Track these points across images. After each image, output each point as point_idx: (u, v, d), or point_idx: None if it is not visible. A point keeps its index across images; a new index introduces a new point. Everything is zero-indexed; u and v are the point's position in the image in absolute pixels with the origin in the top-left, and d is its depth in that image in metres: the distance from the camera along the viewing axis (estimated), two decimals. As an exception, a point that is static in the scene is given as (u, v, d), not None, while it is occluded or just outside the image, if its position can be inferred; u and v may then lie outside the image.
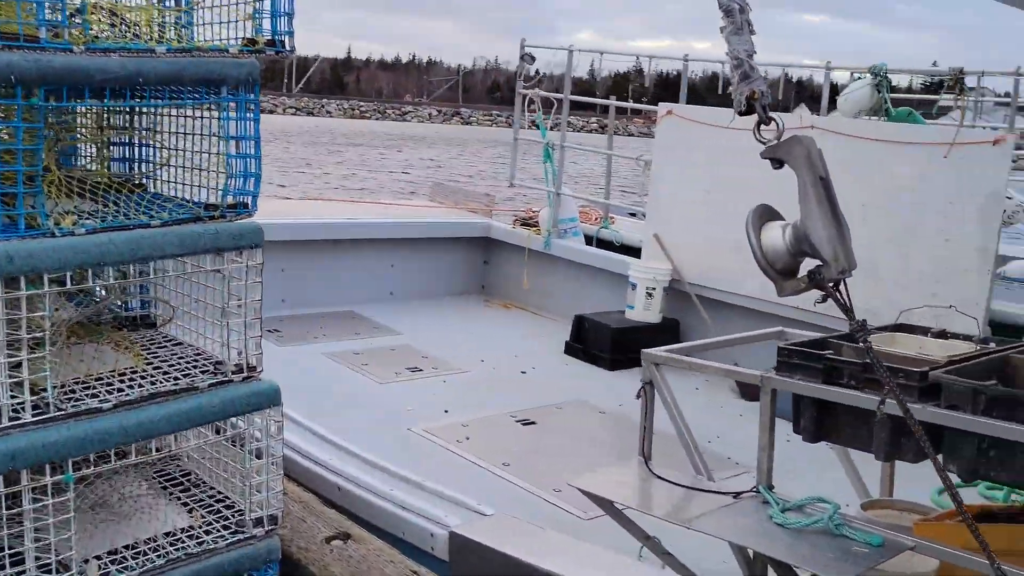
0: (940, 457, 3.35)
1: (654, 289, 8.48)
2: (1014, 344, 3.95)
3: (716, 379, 7.36)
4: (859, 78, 9.76)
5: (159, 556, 2.62)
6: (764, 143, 2.54)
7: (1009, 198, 7.69)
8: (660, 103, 8.93)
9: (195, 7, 2.91)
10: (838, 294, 2.49)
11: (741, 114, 2.55)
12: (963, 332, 4.15)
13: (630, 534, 4.02)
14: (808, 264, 2.55)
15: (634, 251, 9.90)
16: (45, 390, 2.39)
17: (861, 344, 2.56)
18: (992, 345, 3.88)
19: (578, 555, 3.28)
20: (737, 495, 3.73)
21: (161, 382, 2.56)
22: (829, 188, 2.44)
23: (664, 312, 8.56)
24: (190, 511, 2.77)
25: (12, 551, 2.41)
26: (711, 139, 8.31)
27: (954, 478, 4.97)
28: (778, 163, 2.53)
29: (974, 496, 5.72)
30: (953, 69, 7.76)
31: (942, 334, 4.10)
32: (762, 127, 2.54)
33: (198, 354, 2.79)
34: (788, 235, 2.51)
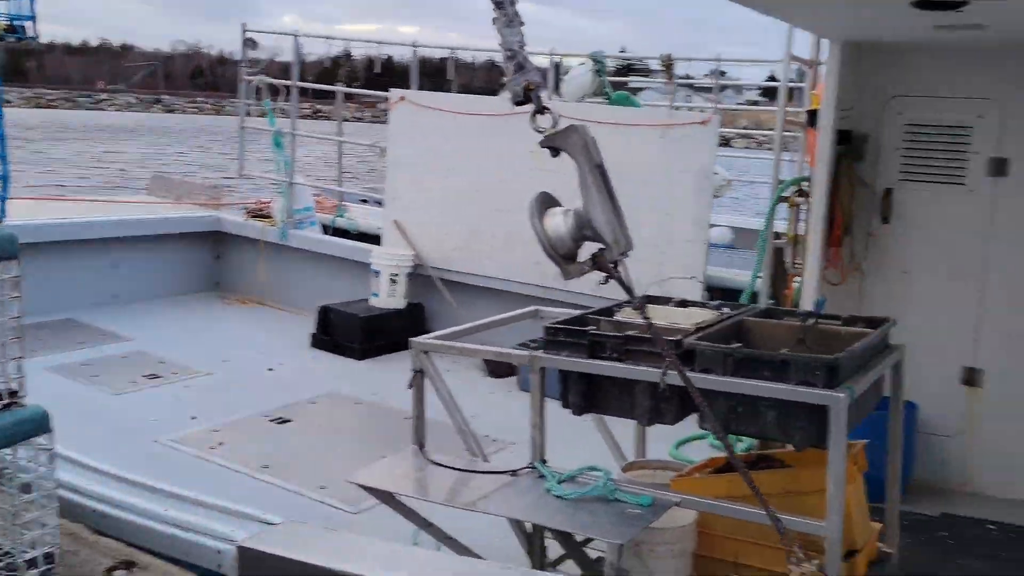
0: (697, 417, 3.66)
1: (397, 275, 8.52)
2: (745, 308, 4.37)
3: (464, 359, 7.51)
4: (557, 62, 10.26)
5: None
6: (541, 132, 2.62)
7: (716, 173, 8.45)
8: (391, 89, 8.94)
9: None
10: (618, 274, 2.63)
11: (517, 104, 2.61)
12: (683, 299, 4.51)
13: (411, 522, 4.03)
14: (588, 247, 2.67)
15: (371, 238, 9.87)
16: None
17: (643, 320, 2.72)
18: (726, 310, 4.25)
19: (375, 553, 3.23)
20: (514, 472, 3.84)
21: (-98, 421, 2.23)
22: (605, 174, 2.56)
23: (408, 297, 8.63)
24: (-57, 563, 2.44)
25: None
26: (446, 124, 8.45)
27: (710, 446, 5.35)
28: (555, 151, 2.62)
29: (705, 448, 6.29)
30: (663, 55, 8.41)
31: (683, 303, 4.44)
32: (538, 116, 2.62)
33: (-58, 385, 2.45)
34: (570, 221, 2.61)
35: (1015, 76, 5.56)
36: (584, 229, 2.59)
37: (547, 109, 2.58)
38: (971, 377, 5.82)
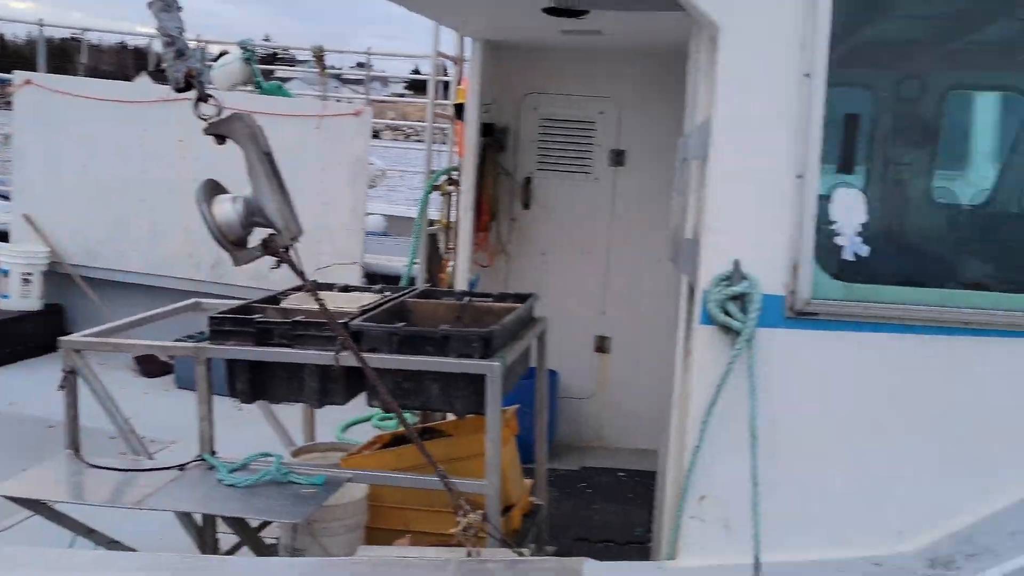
0: (366, 397, 3.82)
1: (31, 274, 7.86)
2: (406, 290, 4.61)
3: (113, 359, 7.10)
4: (202, 49, 9.92)
5: None
6: (205, 119, 2.63)
7: (371, 163, 8.67)
8: (15, 71, 8.17)
9: None
10: (290, 259, 2.71)
11: (179, 90, 2.60)
12: (346, 284, 4.67)
13: (69, 531, 3.81)
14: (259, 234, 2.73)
15: (-4, 234, 8.96)
16: None
17: (315, 304, 2.82)
18: (388, 294, 4.45)
19: (29, 560, 3.05)
20: (182, 467, 3.76)
21: None
22: (273, 162, 2.63)
23: (45, 298, 7.99)
24: None
25: None
26: (82, 111, 7.89)
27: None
28: (220, 139, 2.64)
29: (370, 430, 6.50)
30: (315, 46, 8.45)
31: (346, 288, 4.58)
32: (201, 104, 2.63)
33: None
34: (239, 208, 2.64)
35: (628, 77, 6.33)
36: (254, 215, 2.64)
37: (211, 96, 2.60)
38: (601, 344, 6.57)
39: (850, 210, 2.84)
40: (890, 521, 2.84)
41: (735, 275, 2.76)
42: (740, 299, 2.75)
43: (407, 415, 5.54)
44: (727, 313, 2.75)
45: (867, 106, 5.10)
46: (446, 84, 8.62)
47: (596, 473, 6.07)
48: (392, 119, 20.21)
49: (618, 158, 6.45)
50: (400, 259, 7.61)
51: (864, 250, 2.84)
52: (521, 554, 3.13)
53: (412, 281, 6.50)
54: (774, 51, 2.84)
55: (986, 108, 5.68)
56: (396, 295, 4.37)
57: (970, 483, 2.86)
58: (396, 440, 4.48)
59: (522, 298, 4.39)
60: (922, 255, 3.85)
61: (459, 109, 6.45)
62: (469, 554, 2.78)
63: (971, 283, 3.13)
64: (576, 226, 6.52)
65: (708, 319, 2.80)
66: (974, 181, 5.49)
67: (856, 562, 2.77)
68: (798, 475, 2.83)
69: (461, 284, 5.94)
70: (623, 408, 6.47)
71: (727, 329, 2.76)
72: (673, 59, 5.68)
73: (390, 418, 6.52)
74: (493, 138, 6.33)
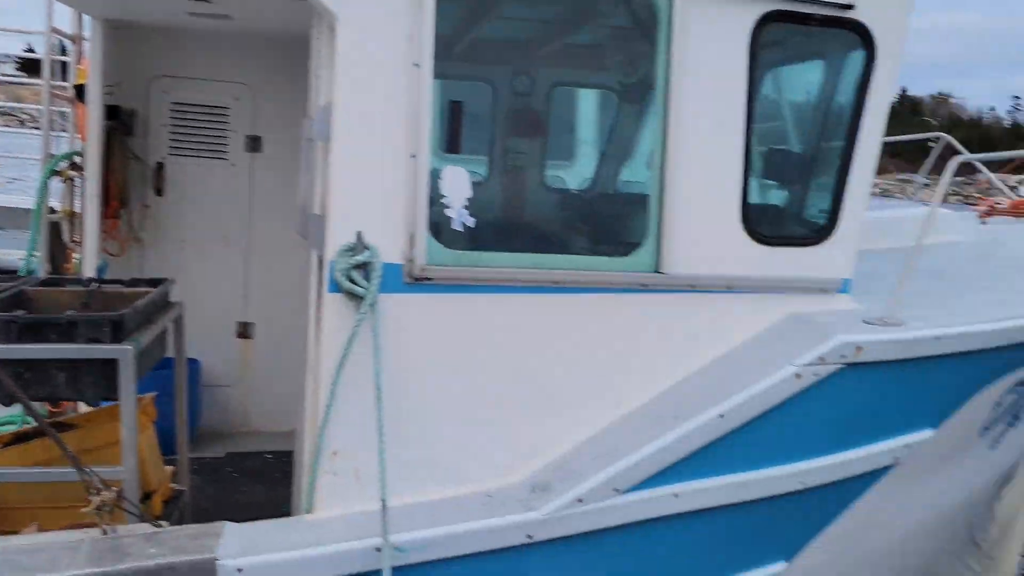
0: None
1: None
2: (24, 279, 4.35)
3: None
4: None
5: None
6: None
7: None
8: None
9: None
10: None
11: None
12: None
13: None
14: None
15: None
16: None
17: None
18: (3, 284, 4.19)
19: None
20: None
21: None
22: None
23: None
24: None
25: None
26: None
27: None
28: None
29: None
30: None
31: (-46, 281, 4.23)
32: None
33: None
34: None
35: (263, 64, 6.37)
36: None
37: None
38: (244, 331, 6.57)
39: (457, 186, 3.19)
40: (499, 459, 3.24)
41: (358, 246, 3.00)
42: (364, 267, 3.00)
43: (14, 423, 5.23)
44: (352, 281, 2.98)
45: (487, 99, 5.60)
46: (64, 64, 8.04)
47: (243, 458, 6.09)
48: (3, 102, 18.27)
49: (254, 144, 6.47)
50: (17, 252, 7.05)
51: (471, 221, 3.21)
52: (160, 526, 3.15)
53: (31, 273, 6.07)
54: (387, 41, 3.10)
55: (587, 104, 6.45)
56: (11, 284, 4.12)
57: (564, 420, 3.34)
58: (18, 440, 4.24)
59: (156, 283, 4.33)
60: (534, 232, 4.37)
61: (80, 91, 6.10)
62: (104, 532, 2.77)
63: (572, 252, 3.64)
64: (214, 212, 6.45)
65: (335, 287, 3.01)
66: (579, 170, 6.23)
67: (472, 496, 3.14)
68: (419, 425, 3.15)
69: (89, 274, 5.66)
70: (268, 392, 6.52)
71: (353, 296, 2.99)
72: (305, 46, 5.84)
73: (11, 422, 6.07)
74: (119, 121, 6.07)
